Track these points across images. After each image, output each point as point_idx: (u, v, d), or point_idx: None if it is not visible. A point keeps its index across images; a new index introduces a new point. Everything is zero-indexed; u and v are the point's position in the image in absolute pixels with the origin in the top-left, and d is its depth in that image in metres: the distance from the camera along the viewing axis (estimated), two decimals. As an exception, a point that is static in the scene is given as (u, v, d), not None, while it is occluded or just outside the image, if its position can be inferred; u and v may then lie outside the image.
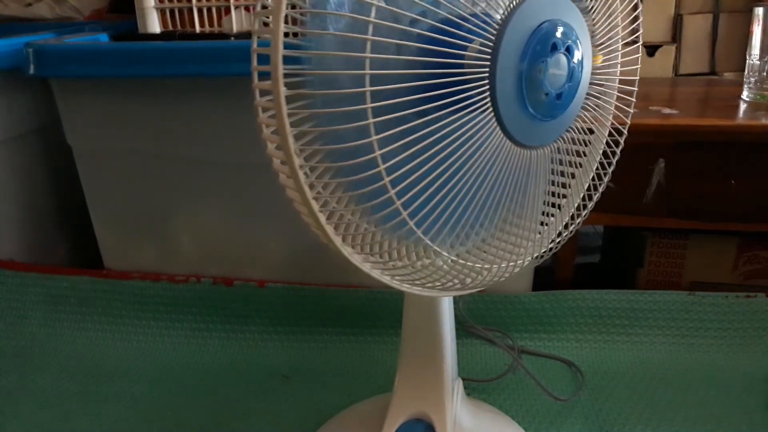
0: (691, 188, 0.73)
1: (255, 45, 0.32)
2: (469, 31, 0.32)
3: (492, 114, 0.34)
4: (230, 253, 0.79)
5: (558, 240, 0.46)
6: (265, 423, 0.63)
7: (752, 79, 0.84)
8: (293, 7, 0.31)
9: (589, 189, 0.47)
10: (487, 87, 0.34)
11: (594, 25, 0.40)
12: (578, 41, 0.37)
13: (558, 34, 0.35)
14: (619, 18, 0.42)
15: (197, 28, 0.81)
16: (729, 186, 0.72)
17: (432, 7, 0.32)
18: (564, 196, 0.46)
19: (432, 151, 0.33)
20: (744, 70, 0.85)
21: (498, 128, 0.35)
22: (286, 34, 0.30)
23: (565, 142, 0.42)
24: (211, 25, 0.81)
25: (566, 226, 0.46)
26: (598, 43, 0.41)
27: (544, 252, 0.45)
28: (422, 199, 0.33)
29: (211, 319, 0.77)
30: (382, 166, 0.31)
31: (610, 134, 0.47)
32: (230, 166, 0.73)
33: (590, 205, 0.47)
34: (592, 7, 0.40)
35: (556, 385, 0.67)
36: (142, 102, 0.72)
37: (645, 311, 0.74)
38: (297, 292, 0.76)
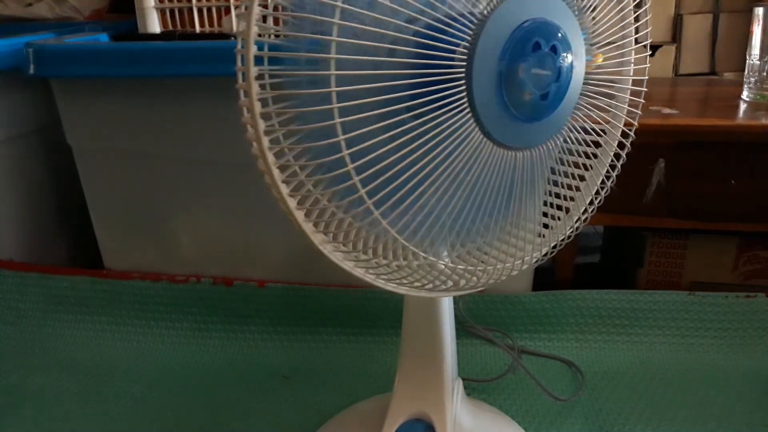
0: (691, 188, 0.73)
1: (239, 46, 0.32)
2: (443, 32, 0.32)
3: (469, 114, 0.34)
4: (230, 253, 0.79)
5: (561, 243, 0.45)
6: (265, 423, 0.63)
7: (752, 79, 0.84)
8: (276, 8, 0.32)
9: (597, 192, 0.46)
10: (464, 86, 0.33)
11: (595, 24, 0.40)
12: (566, 40, 0.36)
13: (542, 33, 0.34)
14: (631, 17, 0.42)
15: (197, 28, 0.81)
16: (729, 186, 0.72)
17: (404, 10, 0.32)
18: (572, 199, 0.45)
19: (405, 149, 0.32)
20: (744, 70, 0.85)
21: (477, 129, 0.34)
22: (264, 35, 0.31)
23: (573, 143, 0.41)
24: (211, 25, 0.81)
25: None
26: (602, 42, 0.40)
27: (543, 255, 0.44)
28: (388, 189, 0.33)
29: (211, 319, 0.77)
30: (346, 151, 0.32)
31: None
32: (230, 166, 0.73)
33: (593, 207, 0.46)
34: (592, 6, 0.39)
35: (556, 385, 0.67)
36: (142, 102, 0.72)
37: (645, 311, 0.74)
38: (297, 292, 0.76)
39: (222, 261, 0.79)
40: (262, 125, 0.32)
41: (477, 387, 0.67)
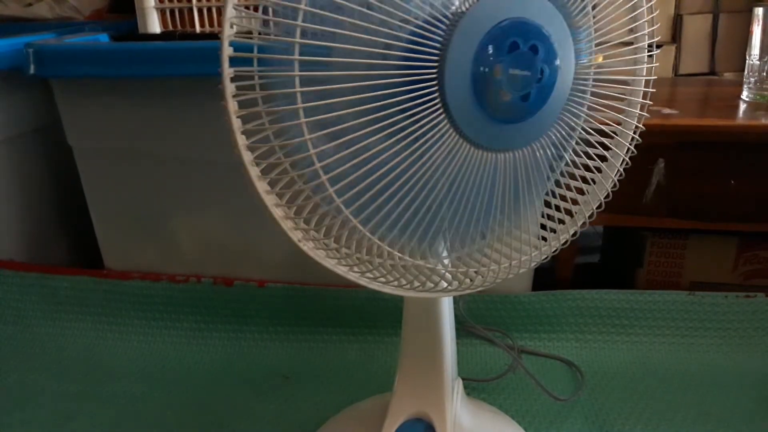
0: (691, 188, 0.73)
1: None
2: (412, 33, 0.32)
3: (443, 115, 0.34)
4: (230, 253, 0.79)
5: (561, 246, 0.44)
6: (265, 423, 0.63)
7: (752, 79, 0.84)
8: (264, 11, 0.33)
9: (607, 196, 0.45)
10: (436, 87, 0.33)
11: (598, 23, 0.39)
12: (549, 40, 0.35)
13: (520, 33, 0.34)
14: (645, 18, 0.41)
15: (197, 28, 0.81)
16: (729, 186, 0.72)
17: (376, 14, 0.32)
18: (578, 203, 0.44)
19: (377, 147, 0.33)
20: (744, 70, 0.85)
21: (452, 129, 0.34)
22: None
23: (580, 145, 0.40)
24: (211, 25, 0.81)
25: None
26: (610, 42, 0.39)
27: (543, 258, 0.44)
28: (349, 180, 0.33)
29: (211, 319, 0.77)
30: (313, 151, 0.33)
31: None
32: (230, 166, 0.72)
33: (595, 210, 0.45)
34: (592, 5, 0.38)
35: (556, 385, 0.67)
36: (142, 102, 0.72)
37: (645, 311, 0.74)
38: (297, 292, 0.76)
39: (222, 261, 0.79)
40: (238, 125, 0.34)
41: (477, 387, 0.67)
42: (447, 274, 0.40)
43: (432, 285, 0.40)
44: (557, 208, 0.43)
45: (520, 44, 0.34)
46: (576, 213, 0.44)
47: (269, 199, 0.35)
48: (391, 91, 0.32)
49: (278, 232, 0.36)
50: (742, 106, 0.82)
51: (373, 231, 0.35)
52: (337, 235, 0.36)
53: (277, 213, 0.36)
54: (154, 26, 0.81)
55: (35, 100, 0.82)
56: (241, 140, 0.34)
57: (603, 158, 0.43)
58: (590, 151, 0.42)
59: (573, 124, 0.40)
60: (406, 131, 0.33)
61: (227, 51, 0.33)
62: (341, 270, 0.38)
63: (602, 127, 0.42)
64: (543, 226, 0.44)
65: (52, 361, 0.73)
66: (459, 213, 0.37)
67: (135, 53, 0.67)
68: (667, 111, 0.77)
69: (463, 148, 0.35)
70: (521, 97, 0.35)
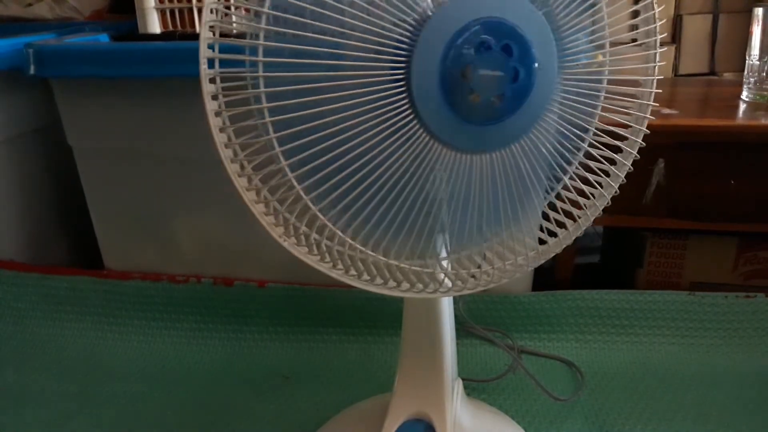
0: (691, 188, 0.73)
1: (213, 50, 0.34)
2: (378, 34, 0.32)
3: (412, 115, 0.34)
4: (230, 253, 0.79)
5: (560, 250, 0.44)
6: (265, 423, 0.63)
7: (752, 80, 0.84)
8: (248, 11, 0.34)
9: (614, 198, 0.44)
10: (404, 87, 0.33)
11: (597, 23, 0.39)
12: (525, 40, 0.34)
13: (491, 33, 0.33)
14: (656, 23, 0.40)
15: (197, 28, 0.81)
16: (729, 186, 0.72)
17: (345, 18, 0.32)
18: (584, 207, 0.43)
19: (346, 145, 0.33)
20: (744, 71, 0.85)
21: (421, 130, 0.34)
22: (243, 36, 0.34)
23: (587, 146, 0.40)
24: (211, 25, 0.81)
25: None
26: (607, 41, 0.39)
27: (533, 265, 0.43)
28: (313, 165, 0.34)
29: (211, 319, 0.77)
30: (274, 135, 0.34)
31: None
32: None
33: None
34: (592, 5, 0.37)
35: (556, 385, 0.67)
36: (142, 102, 0.72)
37: (645, 311, 0.74)
38: (297, 292, 0.76)
39: (222, 261, 0.79)
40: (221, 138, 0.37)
41: (477, 387, 0.67)
42: (414, 272, 0.40)
43: (408, 286, 0.40)
44: (563, 212, 0.43)
45: (492, 44, 0.33)
46: (580, 218, 0.44)
47: (248, 195, 0.37)
48: (357, 91, 0.32)
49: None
50: (742, 107, 0.82)
51: (344, 229, 0.36)
52: (318, 229, 0.37)
53: (257, 209, 0.38)
54: (154, 26, 0.81)
55: (35, 100, 0.82)
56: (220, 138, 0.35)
57: (612, 161, 0.43)
58: (597, 153, 0.41)
59: (583, 125, 0.39)
60: (377, 129, 0.33)
61: (204, 52, 0.35)
62: (323, 268, 0.38)
63: (613, 128, 0.42)
64: (542, 229, 0.44)
65: (52, 361, 0.73)
66: (433, 212, 0.37)
67: (135, 53, 0.67)
68: (667, 111, 0.77)
69: (435, 149, 0.35)
70: (496, 98, 0.34)
